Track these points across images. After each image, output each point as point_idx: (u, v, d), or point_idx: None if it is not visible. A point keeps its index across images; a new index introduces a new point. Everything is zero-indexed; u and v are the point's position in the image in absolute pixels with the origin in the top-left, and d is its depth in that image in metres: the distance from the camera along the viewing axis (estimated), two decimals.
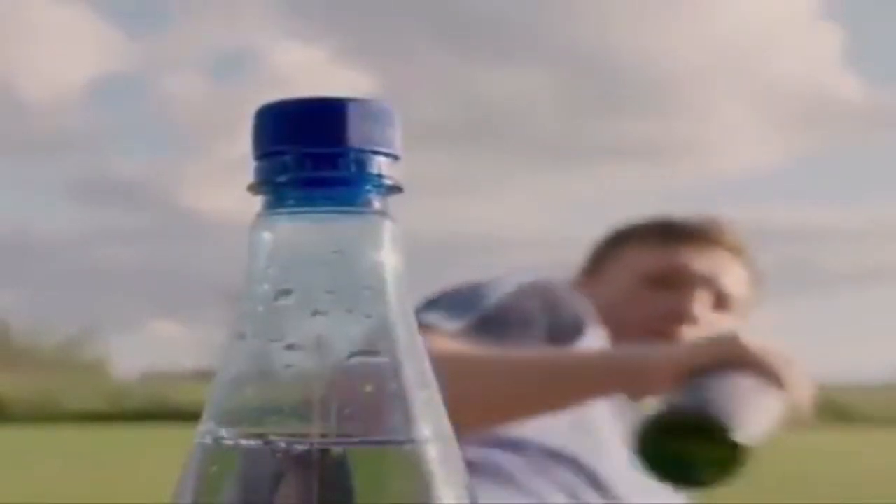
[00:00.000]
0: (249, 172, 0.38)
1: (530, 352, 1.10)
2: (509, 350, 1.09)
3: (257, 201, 0.38)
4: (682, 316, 1.27)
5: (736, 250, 1.36)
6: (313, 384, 0.36)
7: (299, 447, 0.35)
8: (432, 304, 1.16)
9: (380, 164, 0.37)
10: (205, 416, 0.37)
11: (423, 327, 1.15)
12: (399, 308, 0.37)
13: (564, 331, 1.17)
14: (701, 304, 1.28)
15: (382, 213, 0.37)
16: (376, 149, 0.36)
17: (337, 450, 0.35)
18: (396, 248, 0.37)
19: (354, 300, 0.36)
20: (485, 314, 1.15)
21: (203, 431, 0.36)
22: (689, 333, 1.26)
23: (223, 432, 0.36)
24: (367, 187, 0.37)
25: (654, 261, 1.31)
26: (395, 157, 0.37)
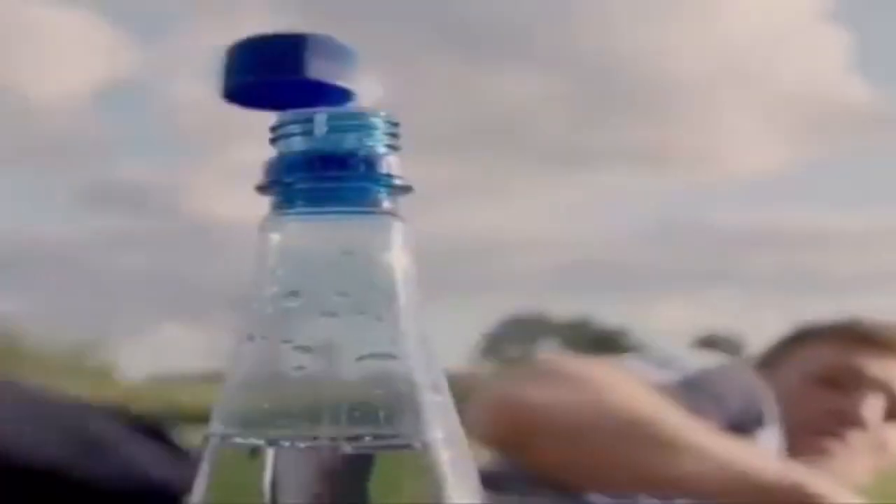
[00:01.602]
0: (257, 175, 0.38)
1: (718, 439, 1.04)
2: (706, 430, 1.04)
3: (264, 205, 0.38)
4: (850, 418, 1.26)
5: None
6: (323, 386, 0.35)
7: (309, 450, 0.35)
8: (637, 356, 1.15)
9: (389, 164, 0.37)
10: (213, 417, 0.37)
11: (631, 371, 1.05)
12: (410, 310, 0.37)
13: (749, 420, 1.15)
14: (872, 409, 1.27)
15: (392, 214, 0.37)
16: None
17: (347, 453, 0.35)
18: (407, 248, 0.37)
19: (364, 302, 0.36)
20: (689, 377, 1.13)
21: (212, 433, 0.36)
22: (856, 437, 1.25)
23: (232, 434, 0.36)
24: (377, 187, 0.37)
25: (829, 360, 1.30)
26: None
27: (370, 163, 0.37)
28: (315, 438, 0.35)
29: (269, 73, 0.38)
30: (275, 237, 0.37)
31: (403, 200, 0.38)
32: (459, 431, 0.37)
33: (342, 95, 0.38)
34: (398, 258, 0.37)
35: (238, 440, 0.36)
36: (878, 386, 1.27)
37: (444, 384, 0.37)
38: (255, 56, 0.39)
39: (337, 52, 0.39)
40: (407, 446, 0.35)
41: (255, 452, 0.35)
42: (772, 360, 1.34)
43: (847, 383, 1.27)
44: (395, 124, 0.37)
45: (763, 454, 1.07)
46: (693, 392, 1.09)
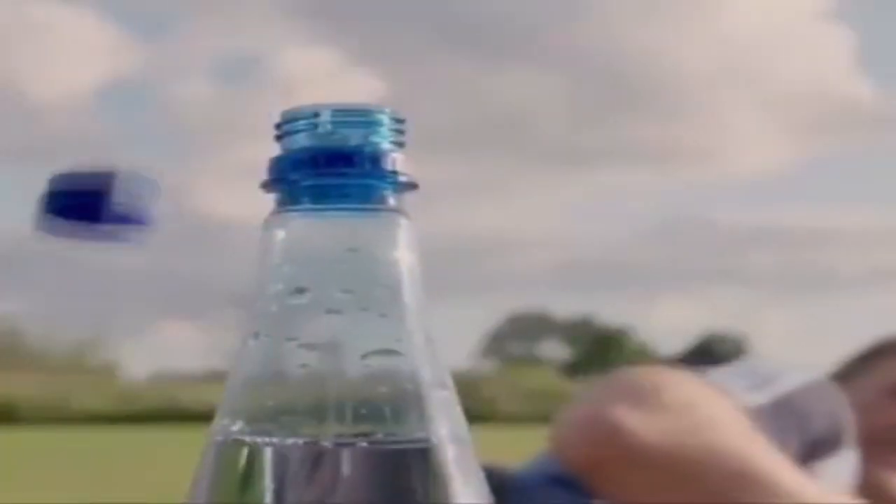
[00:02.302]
0: (258, 174, 0.38)
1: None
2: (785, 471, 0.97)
3: (265, 205, 0.38)
4: None
5: None
6: (328, 383, 0.35)
7: (314, 447, 0.35)
8: (730, 369, 1.09)
9: (395, 161, 0.37)
10: (219, 414, 0.36)
11: (723, 393, 0.99)
12: (415, 307, 0.36)
13: (830, 441, 1.12)
14: None
15: (398, 211, 0.37)
16: None
17: (352, 449, 0.35)
18: (412, 245, 0.37)
19: (369, 299, 0.36)
20: (781, 399, 1.06)
21: (217, 430, 0.36)
22: None
23: (237, 431, 0.36)
24: (383, 184, 0.37)
25: None
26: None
27: (375, 160, 0.36)
28: (320, 436, 0.35)
29: (77, 211, 0.44)
30: (280, 234, 0.37)
31: (407, 198, 0.38)
32: (465, 428, 0.37)
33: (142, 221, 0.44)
34: (404, 255, 0.37)
35: (243, 438, 0.36)
36: None
37: (450, 380, 0.37)
38: (64, 194, 0.46)
39: (139, 186, 0.45)
40: (412, 443, 0.35)
41: (260, 450, 0.35)
42: (849, 373, 1.31)
43: None
44: (401, 121, 0.37)
45: (842, 496, 1.03)
46: (781, 415, 1.05)
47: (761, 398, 1.03)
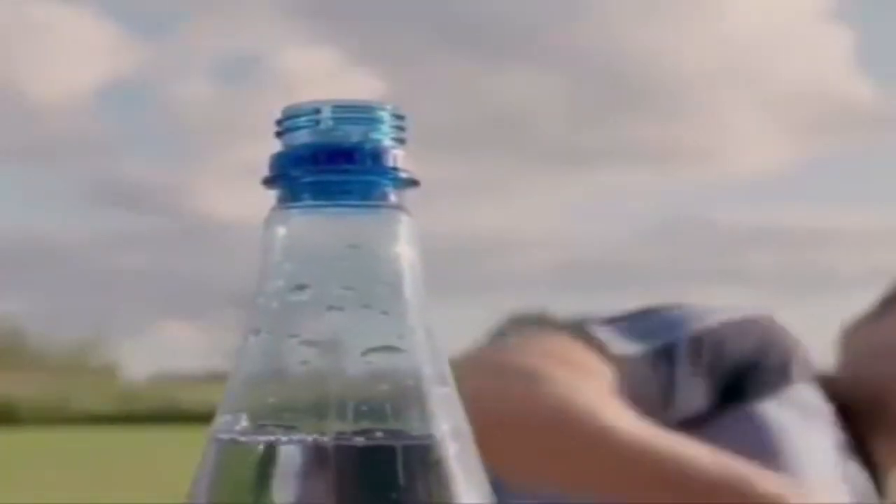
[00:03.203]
0: (259, 174, 0.37)
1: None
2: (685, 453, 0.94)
3: (267, 204, 0.37)
4: None
5: None
6: (329, 380, 0.35)
7: (315, 444, 0.34)
8: (611, 320, 1.04)
9: (396, 157, 0.37)
10: (220, 411, 0.36)
11: (593, 343, 0.98)
12: (416, 303, 0.36)
13: (769, 379, 1.06)
14: None
15: (399, 207, 0.37)
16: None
17: (353, 446, 0.35)
18: (413, 242, 0.37)
19: (370, 295, 0.36)
20: (670, 343, 1.02)
21: (218, 427, 0.36)
22: None
23: (238, 428, 0.36)
24: (384, 181, 0.37)
25: None
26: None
27: (376, 156, 0.36)
28: (321, 433, 0.35)
29: None
30: (280, 231, 0.37)
31: (408, 195, 0.38)
32: (466, 425, 0.37)
33: None
34: (405, 252, 0.37)
35: (244, 435, 0.36)
36: None
37: (451, 377, 0.37)
38: None
39: None
40: (414, 440, 0.35)
41: (261, 448, 0.35)
42: (883, 308, 1.21)
43: None
44: (402, 117, 0.37)
45: (705, 449, 0.94)
46: (676, 358, 1.01)
47: (636, 348, 1.01)
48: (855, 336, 1.20)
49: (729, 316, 1.08)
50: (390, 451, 0.35)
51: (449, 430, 0.36)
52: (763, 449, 0.99)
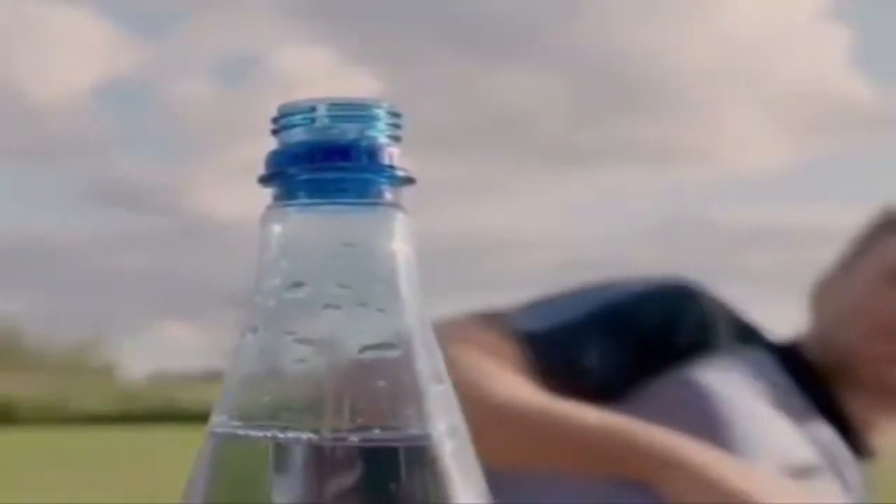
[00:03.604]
0: (258, 174, 0.38)
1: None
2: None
3: (265, 203, 0.37)
4: None
5: None
6: (325, 378, 0.35)
7: (312, 442, 0.35)
8: (528, 304, 1.05)
9: (391, 155, 0.37)
10: (216, 409, 0.36)
11: (500, 325, 1.00)
12: (412, 301, 0.36)
13: (682, 347, 1.04)
14: None
15: (395, 205, 0.37)
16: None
17: (350, 444, 0.35)
18: (409, 240, 0.37)
19: (367, 293, 0.36)
20: (577, 318, 1.02)
21: (214, 425, 0.36)
22: None
23: (235, 426, 0.36)
24: (380, 179, 0.37)
25: None
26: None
27: (372, 154, 0.36)
28: (318, 431, 0.35)
29: None
30: (277, 229, 0.37)
31: (405, 194, 0.38)
32: (463, 423, 0.37)
33: None
34: (401, 249, 0.37)
35: (240, 433, 0.35)
36: None
37: (447, 375, 0.37)
38: None
39: None
40: (410, 438, 0.35)
41: (257, 445, 0.35)
42: (851, 258, 1.20)
43: None
44: (397, 115, 0.37)
45: (596, 411, 0.93)
46: (582, 333, 1.01)
47: (545, 325, 1.01)
48: (822, 295, 1.18)
49: (644, 286, 1.08)
50: (387, 449, 0.35)
51: (446, 428, 0.36)
52: (693, 413, 0.99)
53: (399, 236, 0.37)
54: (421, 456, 0.35)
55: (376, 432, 0.35)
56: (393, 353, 0.36)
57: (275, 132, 0.37)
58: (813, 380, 1.15)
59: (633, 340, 1.03)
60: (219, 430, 0.36)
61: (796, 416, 1.10)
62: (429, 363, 0.36)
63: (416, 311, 0.37)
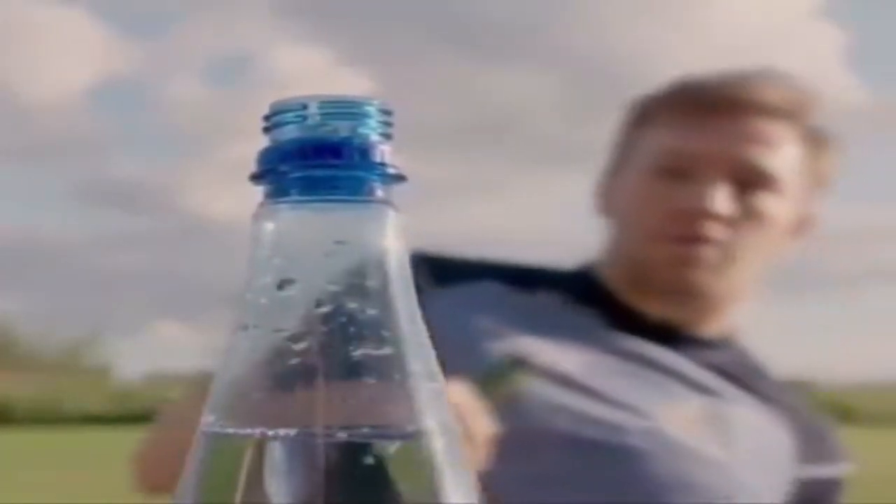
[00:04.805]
0: (251, 173, 0.38)
1: None
2: None
3: (259, 201, 0.38)
4: (699, 213, 1.04)
5: (783, 114, 1.07)
6: (316, 376, 0.35)
7: (303, 440, 0.34)
8: None
9: (383, 153, 0.37)
10: (207, 407, 0.36)
11: None
12: (403, 298, 0.36)
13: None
14: (722, 195, 1.04)
15: (386, 203, 0.37)
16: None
17: (341, 442, 0.35)
18: (401, 237, 0.37)
19: (358, 291, 0.36)
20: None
21: (205, 423, 0.36)
22: (716, 232, 1.04)
23: (225, 424, 0.35)
24: (371, 176, 0.37)
25: (668, 145, 1.07)
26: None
27: (364, 151, 0.36)
28: (309, 429, 0.35)
29: None
30: (268, 226, 0.37)
31: (399, 192, 0.38)
32: (454, 419, 0.37)
33: None
34: (392, 247, 0.37)
35: (230, 431, 0.35)
36: (728, 163, 1.04)
37: (439, 373, 0.37)
38: None
39: None
40: (401, 435, 0.35)
41: (248, 443, 0.35)
42: (618, 157, 1.13)
43: (691, 170, 1.05)
44: (389, 113, 0.37)
45: None
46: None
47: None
48: (601, 208, 1.14)
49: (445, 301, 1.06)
50: (378, 446, 0.35)
51: (437, 425, 0.36)
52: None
53: (391, 234, 0.37)
54: (412, 454, 0.35)
55: (367, 430, 0.35)
56: (384, 351, 0.36)
57: (266, 130, 0.37)
58: (604, 297, 1.10)
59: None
60: (209, 429, 0.36)
61: (575, 334, 1.06)
62: (420, 361, 0.36)
63: (408, 309, 0.37)
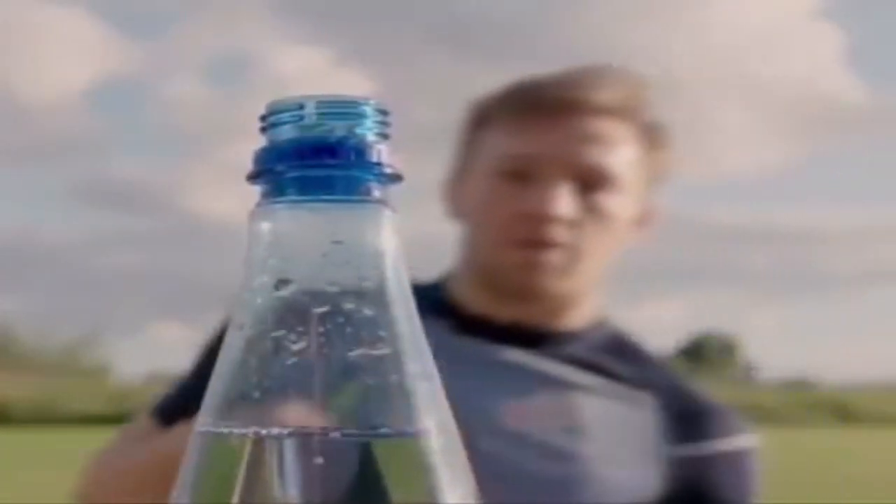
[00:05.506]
0: (247, 173, 0.38)
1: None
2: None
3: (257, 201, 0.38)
4: (542, 217, 1.04)
5: (618, 112, 1.08)
6: (313, 376, 0.35)
7: (300, 440, 0.34)
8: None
9: (380, 153, 0.37)
10: (204, 406, 0.36)
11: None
12: (399, 299, 0.36)
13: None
14: (563, 197, 1.04)
15: (382, 203, 0.37)
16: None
17: (338, 442, 0.35)
18: (396, 237, 0.37)
19: (355, 291, 0.36)
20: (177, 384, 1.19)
21: (201, 424, 0.36)
22: (561, 235, 1.05)
23: (222, 425, 0.35)
24: (368, 176, 0.37)
25: (508, 148, 1.07)
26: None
27: (360, 151, 0.36)
28: (305, 429, 0.35)
29: None
30: (265, 226, 0.37)
31: (395, 192, 0.38)
32: (451, 419, 0.37)
33: None
34: (388, 247, 0.37)
35: (227, 430, 0.35)
36: (565, 164, 1.05)
37: (435, 373, 0.37)
38: None
39: None
40: (398, 435, 0.35)
41: (245, 443, 0.35)
42: (461, 160, 1.13)
43: (531, 172, 1.05)
44: (386, 112, 0.37)
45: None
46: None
47: (161, 399, 1.19)
48: (451, 215, 1.13)
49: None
50: (375, 446, 0.35)
51: (434, 425, 0.36)
52: None
53: (387, 233, 0.37)
54: (409, 454, 0.35)
55: (365, 430, 0.35)
56: (381, 351, 0.36)
57: (263, 130, 0.37)
58: (453, 307, 1.10)
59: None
60: (205, 429, 0.36)
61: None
62: (417, 361, 0.36)
63: (405, 309, 0.37)
